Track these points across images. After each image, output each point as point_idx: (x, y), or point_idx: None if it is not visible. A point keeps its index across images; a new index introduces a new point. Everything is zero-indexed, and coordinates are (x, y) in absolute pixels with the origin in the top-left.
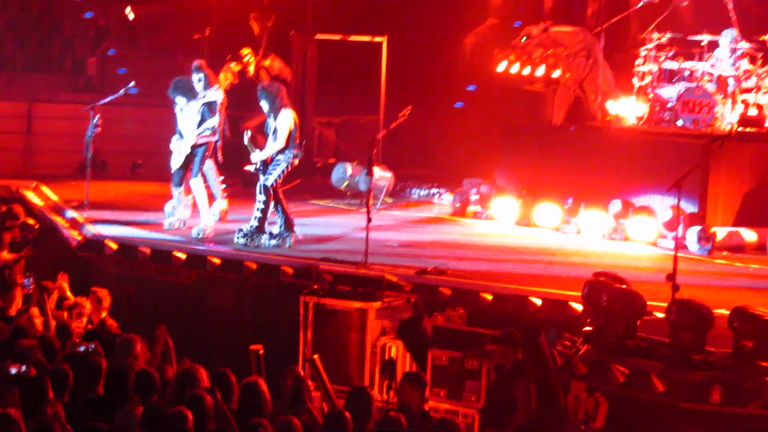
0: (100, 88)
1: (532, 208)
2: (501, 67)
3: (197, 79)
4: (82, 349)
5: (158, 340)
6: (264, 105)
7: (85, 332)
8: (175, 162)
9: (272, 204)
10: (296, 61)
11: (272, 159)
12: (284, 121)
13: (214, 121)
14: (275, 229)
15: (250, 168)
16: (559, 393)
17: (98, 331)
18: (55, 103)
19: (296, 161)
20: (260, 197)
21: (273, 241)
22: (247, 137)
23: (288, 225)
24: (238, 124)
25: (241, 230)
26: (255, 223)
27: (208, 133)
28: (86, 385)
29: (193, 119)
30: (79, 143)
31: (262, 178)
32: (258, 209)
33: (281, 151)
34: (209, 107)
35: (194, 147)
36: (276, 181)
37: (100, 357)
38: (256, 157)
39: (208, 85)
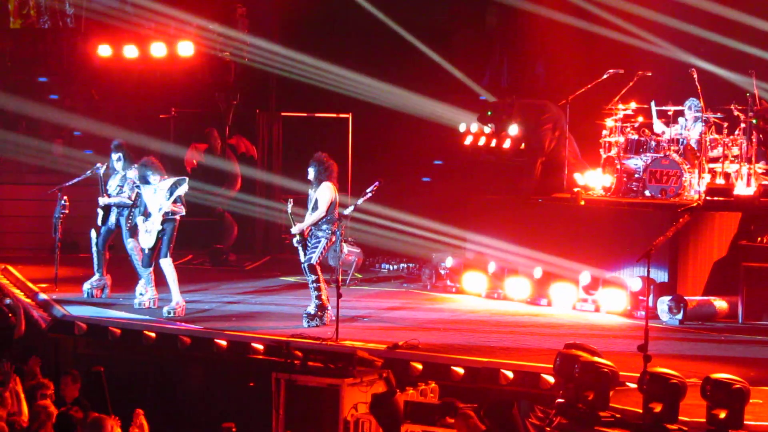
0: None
1: (502, 280)
2: (468, 141)
3: (116, 159)
4: None
5: (134, 423)
6: (310, 172)
7: (57, 414)
8: (145, 242)
9: (322, 278)
10: (262, 139)
11: (312, 238)
12: (324, 194)
13: (184, 188)
14: (310, 309)
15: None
16: None
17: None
18: (21, 185)
19: (334, 237)
20: (310, 277)
21: (312, 323)
22: (289, 207)
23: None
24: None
25: (307, 314)
26: (317, 302)
27: (179, 202)
28: None
29: (161, 198)
30: (45, 224)
31: (304, 258)
32: (314, 288)
33: (319, 228)
34: (178, 184)
35: (163, 222)
36: (319, 258)
37: None
38: (296, 229)
39: (129, 166)
